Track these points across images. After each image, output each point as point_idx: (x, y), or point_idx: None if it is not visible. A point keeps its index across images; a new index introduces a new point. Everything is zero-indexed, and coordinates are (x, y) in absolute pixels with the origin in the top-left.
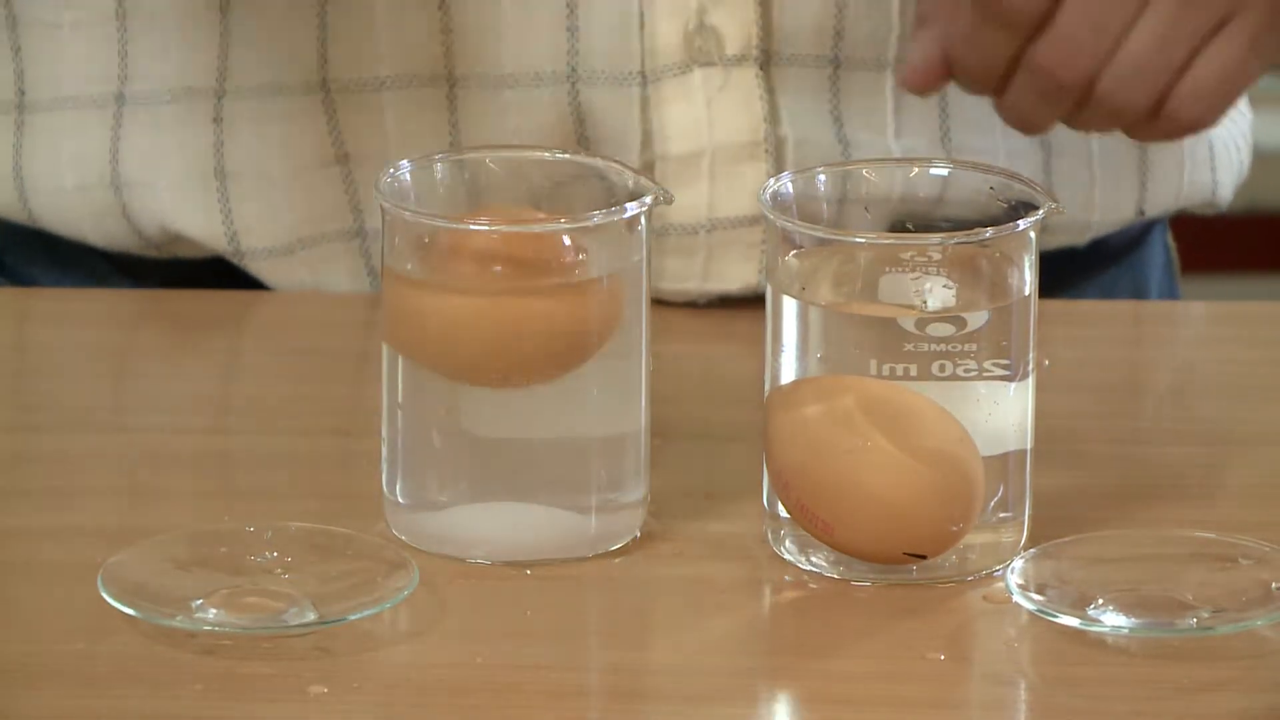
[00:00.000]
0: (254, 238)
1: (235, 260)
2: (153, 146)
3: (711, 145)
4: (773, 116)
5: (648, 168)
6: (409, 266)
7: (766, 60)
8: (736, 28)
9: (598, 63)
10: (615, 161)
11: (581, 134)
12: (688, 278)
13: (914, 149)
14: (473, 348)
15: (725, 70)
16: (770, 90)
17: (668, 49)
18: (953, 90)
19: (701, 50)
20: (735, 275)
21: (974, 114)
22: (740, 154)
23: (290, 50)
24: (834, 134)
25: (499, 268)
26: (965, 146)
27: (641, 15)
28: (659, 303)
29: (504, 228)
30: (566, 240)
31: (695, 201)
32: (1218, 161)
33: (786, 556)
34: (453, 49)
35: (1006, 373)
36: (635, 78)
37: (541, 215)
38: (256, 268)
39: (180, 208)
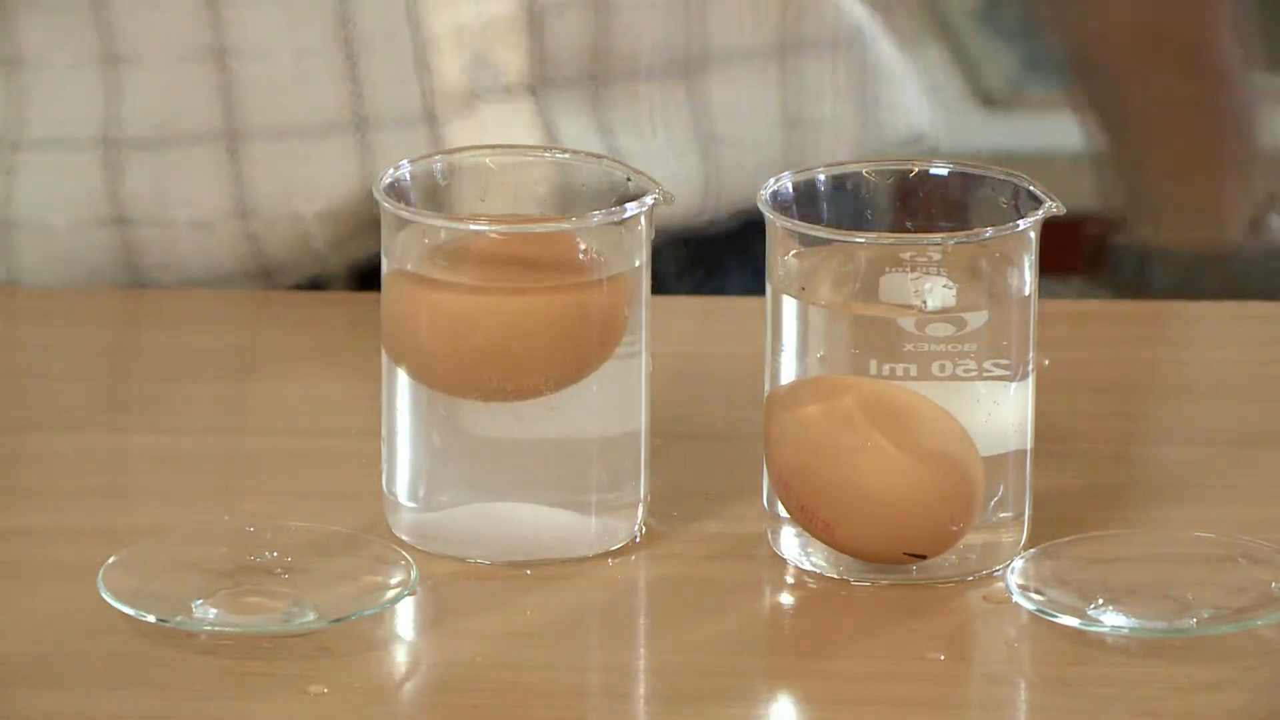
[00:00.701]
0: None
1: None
2: None
3: None
4: (553, 139)
5: None
6: (409, 267)
7: (540, 86)
8: (513, 58)
9: (383, 107)
10: (615, 161)
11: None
12: None
13: (675, 146)
14: (474, 349)
15: (506, 100)
16: (547, 114)
17: (451, 87)
18: (708, 88)
19: (484, 85)
20: None
21: (726, 109)
22: None
23: (79, 106)
24: (607, 146)
25: (502, 268)
26: (720, 138)
27: (422, 57)
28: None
29: (504, 228)
30: (576, 241)
31: None
32: None
33: (786, 556)
34: (232, 104)
35: (1006, 373)
36: (423, 119)
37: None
38: None
39: None
